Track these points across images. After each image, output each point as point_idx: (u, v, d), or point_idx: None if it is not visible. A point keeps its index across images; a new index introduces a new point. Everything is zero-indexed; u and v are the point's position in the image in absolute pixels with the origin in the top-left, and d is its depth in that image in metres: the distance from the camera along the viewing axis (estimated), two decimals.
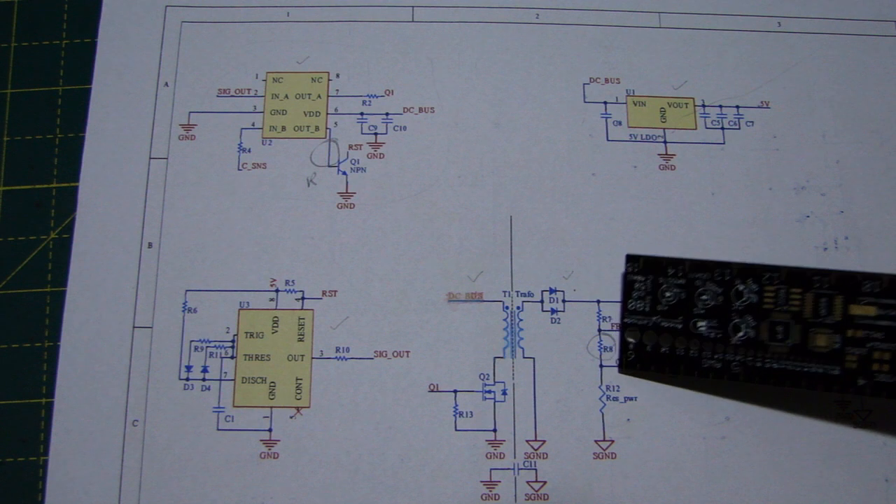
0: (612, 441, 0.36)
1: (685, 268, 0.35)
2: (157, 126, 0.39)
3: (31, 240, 0.38)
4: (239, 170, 0.38)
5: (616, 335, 0.37)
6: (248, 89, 0.39)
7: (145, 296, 0.37)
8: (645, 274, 0.36)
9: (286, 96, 0.39)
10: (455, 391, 0.36)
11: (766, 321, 0.34)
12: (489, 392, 0.36)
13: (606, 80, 0.40)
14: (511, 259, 0.37)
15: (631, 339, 0.36)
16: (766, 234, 0.38)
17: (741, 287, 0.34)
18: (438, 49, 0.40)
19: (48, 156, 0.39)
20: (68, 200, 0.38)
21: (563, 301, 0.37)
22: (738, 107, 0.40)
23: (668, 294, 0.35)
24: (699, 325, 0.35)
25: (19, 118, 0.40)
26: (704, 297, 0.35)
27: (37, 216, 0.38)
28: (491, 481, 0.35)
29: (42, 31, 0.41)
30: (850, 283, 0.33)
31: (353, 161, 0.39)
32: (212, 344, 0.36)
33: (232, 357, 0.36)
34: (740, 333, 0.34)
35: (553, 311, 0.37)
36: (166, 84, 0.39)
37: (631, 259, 0.36)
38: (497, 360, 0.36)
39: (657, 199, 0.38)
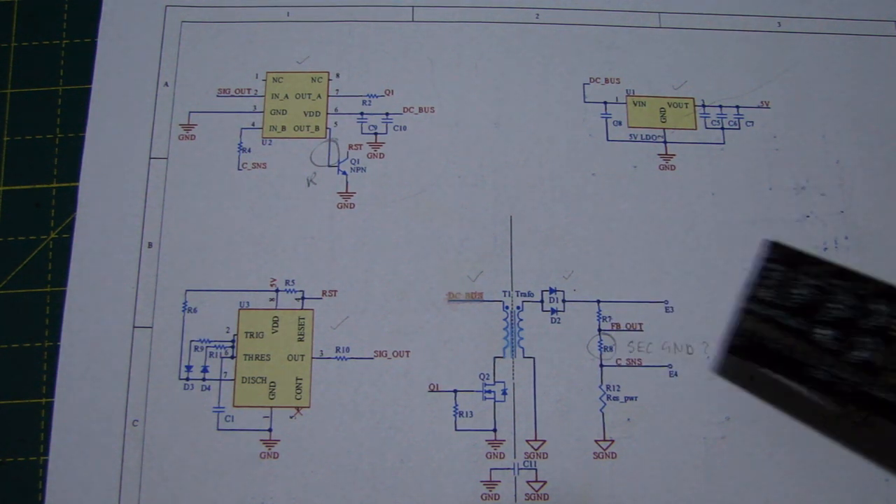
0: (612, 441, 0.36)
1: (825, 270, 0.33)
2: (157, 126, 0.39)
3: (31, 240, 0.38)
4: (239, 170, 0.38)
5: (616, 335, 0.37)
6: (248, 89, 0.39)
7: (145, 296, 0.37)
8: (782, 265, 0.33)
9: (286, 96, 0.39)
10: (455, 391, 0.36)
11: (891, 347, 0.32)
12: (489, 392, 0.36)
13: (606, 80, 0.40)
14: (511, 259, 0.37)
15: (748, 327, 0.33)
16: (766, 234, 0.38)
17: (876, 306, 0.32)
18: (438, 49, 0.40)
19: (48, 156, 0.39)
20: (68, 200, 0.38)
21: (563, 301, 0.37)
22: (738, 107, 0.40)
23: (799, 292, 0.33)
24: (819, 332, 0.32)
25: (19, 118, 0.40)
26: (835, 304, 0.32)
27: (37, 216, 0.38)
28: (491, 481, 0.35)
29: (42, 31, 0.41)
30: None
31: (353, 161, 0.39)
32: (212, 344, 0.36)
33: (232, 357, 0.36)
34: (860, 352, 0.32)
35: (553, 311, 0.37)
36: (166, 84, 0.39)
37: (774, 247, 0.34)
38: (497, 359, 0.36)
39: (657, 199, 0.38)
